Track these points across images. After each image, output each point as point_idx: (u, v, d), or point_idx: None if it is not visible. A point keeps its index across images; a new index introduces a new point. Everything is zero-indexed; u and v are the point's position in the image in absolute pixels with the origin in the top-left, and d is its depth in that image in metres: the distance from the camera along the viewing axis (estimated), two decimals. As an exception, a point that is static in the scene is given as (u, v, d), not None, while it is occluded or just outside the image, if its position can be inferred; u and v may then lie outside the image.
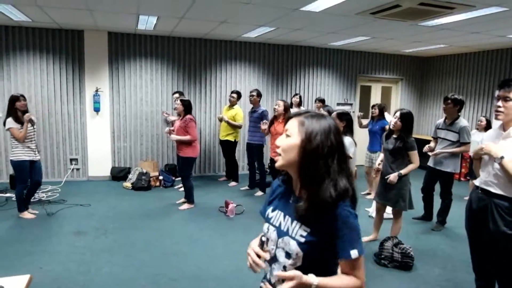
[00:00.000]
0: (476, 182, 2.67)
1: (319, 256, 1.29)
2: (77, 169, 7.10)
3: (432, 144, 4.96)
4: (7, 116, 4.64)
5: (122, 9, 5.14)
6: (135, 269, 3.62)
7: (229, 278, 3.50)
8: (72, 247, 4.07)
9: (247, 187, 6.65)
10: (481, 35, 6.19)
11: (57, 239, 4.29)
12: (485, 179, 2.54)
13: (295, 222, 1.31)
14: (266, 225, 1.44)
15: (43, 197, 5.80)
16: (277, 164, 1.34)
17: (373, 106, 6.29)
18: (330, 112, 5.19)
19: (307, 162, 1.26)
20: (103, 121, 7.08)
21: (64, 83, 6.81)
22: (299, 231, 1.29)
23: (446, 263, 3.96)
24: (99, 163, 7.12)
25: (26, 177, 4.80)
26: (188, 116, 5.28)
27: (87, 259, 3.79)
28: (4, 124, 4.66)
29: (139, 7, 5.02)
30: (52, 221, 4.86)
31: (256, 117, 6.16)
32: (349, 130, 3.97)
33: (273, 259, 1.38)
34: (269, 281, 1.41)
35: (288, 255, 1.32)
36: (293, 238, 1.30)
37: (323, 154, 1.26)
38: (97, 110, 6.94)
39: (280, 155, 1.32)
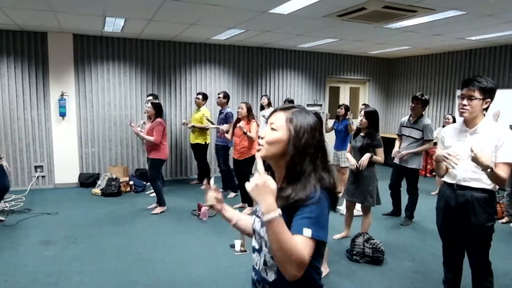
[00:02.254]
0: (448, 179, 2.69)
1: None
2: (43, 177, 6.84)
3: (397, 142, 5.15)
4: None
5: (88, 11, 5.01)
6: (107, 277, 3.53)
7: (204, 281, 3.48)
8: (40, 257, 3.91)
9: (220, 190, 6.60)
10: (442, 37, 6.47)
11: (23, 249, 4.12)
12: (462, 176, 2.58)
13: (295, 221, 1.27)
14: (253, 217, 1.48)
15: (6, 207, 5.54)
16: (260, 154, 1.31)
17: (339, 106, 6.45)
18: None
19: (296, 158, 1.28)
20: (69, 126, 6.86)
21: (27, 88, 6.55)
22: (304, 232, 1.22)
23: (414, 256, 4.11)
24: (66, 170, 6.89)
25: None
26: (158, 119, 5.27)
27: (56, 269, 3.66)
28: None
29: (106, 9, 4.92)
30: (17, 231, 4.66)
31: (222, 118, 6.19)
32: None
33: (259, 250, 1.39)
34: (257, 271, 1.40)
35: (266, 243, 1.33)
36: None
37: (310, 152, 1.29)
38: (63, 115, 6.72)
39: (262, 145, 1.33)
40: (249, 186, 1.17)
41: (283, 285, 1.28)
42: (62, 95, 6.65)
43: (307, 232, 1.19)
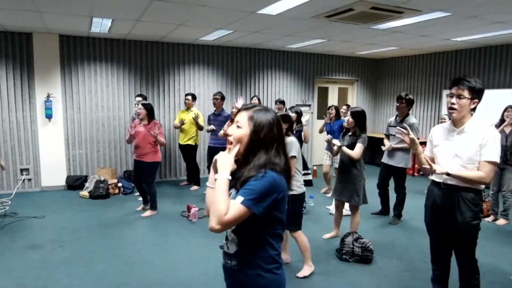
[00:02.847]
0: (436, 178, 2.74)
1: (250, 220, 1.46)
2: (29, 180, 6.73)
3: (385, 142, 5.20)
4: None
5: (74, 11, 4.95)
6: (96, 280, 3.49)
7: (195, 282, 3.47)
8: (27, 262, 3.85)
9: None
10: (429, 38, 6.56)
11: (9, 254, 4.04)
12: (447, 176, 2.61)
13: (237, 193, 1.49)
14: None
15: (-8, 210, 5.45)
16: (230, 150, 1.55)
17: (329, 107, 6.49)
18: (298, 113, 5.32)
19: (252, 147, 1.53)
20: (56, 128, 6.76)
21: (12, 89, 6.44)
22: (237, 199, 1.45)
23: (403, 254, 4.16)
24: (53, 172, 6.79)
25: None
26: (156, 121, 5.33)
27: (43, 273, 3.61)
28: None
29: (92, 10, 4.86)
30: (3, 235, 4.57)
31: (222, 120, 6.14)
32: (291, 131, 3.74)
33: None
34: (227, 255, 1.65)
35: None
36: None
37: (266, 143, 1.53)
38: (49, 116, 6.62)
39: (231, 142, 1.56)
40: (218, 156, 1.52)
41: (243, 256, 1.56)
42: (48, 96, 6.56)
43: (239, 199, 1.43)
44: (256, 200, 1.43)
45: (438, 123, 6.53)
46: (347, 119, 4.21)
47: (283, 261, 1.62)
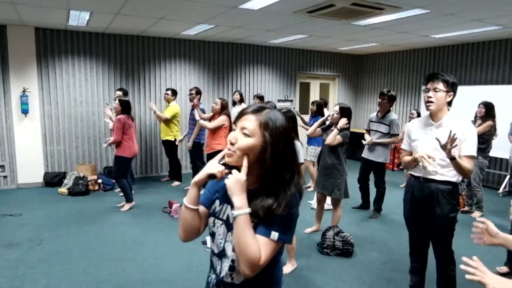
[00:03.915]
0: (415, 173, 2.80)
1: None
2: (4, 177, 6.54)
3: (366, 136, 5.28)
4: None
5: (50, 3, 4.81)
6: (76, 278, 3.43)
7: (177, 279, 3.45)
8: (3, 261, 3.75)
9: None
10: (408, 34, 6.67)
11: (-16, 253, 3.94)
12: (430, 168, 2.65)
13: (263, 225, 1.25)
14: (212, 219, 1.40)
15: (-35, 208, 5.28)
16: (231, 161, 1.26)
17: (312, 102, 6.56)
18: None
19: (275, 167, 1.24)
20: (32, 123, 6.58)
21: (-14, 83, 6.24)
22: (272, 236, 1.23)
23: (382, 247, 4.24)
24: (30, 169, 6.62)
25: None
26: (119, 116, 5.15)
27: (20, 272, 3.52)
28: None
29: (70, 2, 4.73)
30: (-23, 234, 4.45)
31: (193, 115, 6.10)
32: (296, 133, 3.64)
33: (222, 253, 1.36)
34: (219, 276, 1.38)
35: (226, 239, 1.34)
36: None
37: (287, 156, 1.26)
38: (25, 112, 6.44)
39: (234, 152, 1.24)
40: (229, 181, 1.21)
41: (250, 283, 1.30)
42: (24, 91, 6.37)
43: (274, 235, 1.21)
44: (291, 231, 1.25)
45: (408, 120, 6.69)
46: (332, 114, 4.22)
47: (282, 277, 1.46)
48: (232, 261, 1.32)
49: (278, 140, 1.23)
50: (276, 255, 1.30)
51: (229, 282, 1.35)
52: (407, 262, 3.12)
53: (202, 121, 5.52)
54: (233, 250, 1.30)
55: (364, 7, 4.70)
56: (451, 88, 2.59)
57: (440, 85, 2.56)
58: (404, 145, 2.93)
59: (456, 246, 2.81)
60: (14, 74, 6.35)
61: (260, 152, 1.23)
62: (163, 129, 6.64)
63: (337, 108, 4.19)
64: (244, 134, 1.24)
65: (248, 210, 1.19)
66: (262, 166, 1.24)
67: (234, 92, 7.32)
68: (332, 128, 4.23)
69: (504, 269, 3.62)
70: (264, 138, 1.22)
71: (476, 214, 5.25)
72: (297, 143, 3.20)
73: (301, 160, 3.32)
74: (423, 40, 7.23)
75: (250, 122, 1.24)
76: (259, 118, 1.24)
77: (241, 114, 1.29)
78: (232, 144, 1.24)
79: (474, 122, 5.16)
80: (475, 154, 2.58)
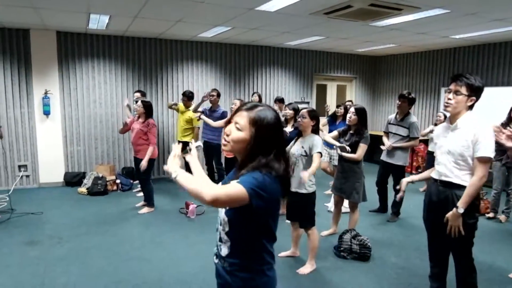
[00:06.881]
0: (434, 175, 2.74)
1: (242, 220, 1.46)
2: (27, 176, 6.72)
3: (384, 139, 5.20)
4: None
5: (71, 8, 4.92)
6: (94, 277, 3.49)
7: (193, 279, 3.47)
8: (25, 258, 3.85)
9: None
10: (427, 35, 6.55)
11: (7, 250, 4.04)
12: (443, 171, 2.63)
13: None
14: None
15: (-11, 207, 5.44)
16: (226, 149, 1.52)
17: (339, 105, 6.21)
18: (295, 109, 5.23)
19: (253, 152, 1.46)
20: (54, 124, 6.74)
21: (9, 86, 6.41)
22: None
23: (400, 251, 4.16)
24: (51, 169, 6.78)
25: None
26: (151, 120, 5.19)
27: (41, 270, 3.60)
28: None
29: (90, 6, 4.84)
30: (0, 231, 4.57)
31: (216, 117, 6.11)
32: (317, 131, 3.71)
33: (217, 229, 1.60)
34: (219, 256, 1.59)
35: (220, 223, 1.56)
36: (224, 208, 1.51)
37: (267, 148, 1.46)
38: (47, 113, 6.60)
39: (228, 142, 1.50)
40: (169, 160, 1.53)
41: (235, 258, 1.52)
42: (46, 93, 6.54)
43: (233, 182, 1.40)
44: (250, 182, 1.38)
45: (434, 123, 6.50)
46: (349, 116, 4.15)
47: (274, 262, 1.59)
48: (220, 237, 1.56)
49: (262, 134, 1.45)
50: (263, 240, 1.52)
51: (219, 254, 1.58)
52: (427, 267, 3.05)
53: (205, 118, 5.61)
54: (220, 224, 1.55)
55: (382, 8, 4.64)
56: (475, 92, 2.50)
57: (463, 89, 2.49)
58: (430, 148, 2.89)
59: (477, 251, 2.75)
60: (37, 76, 6.52)
61: (248, 143, 1.47)
62: (180, 130, 6.56)
63: (352, 109, 4.16)
64: (237, 128, 1.48)
65: (175, 174, 1.43)
66: (246, 151, 1.48)
67: (253, 94, 7.31)
68: (351, 131, 4.17)
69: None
70: (251, 132, 1.45)
71: (503, 218, 5.10)
72: (316, 136, 3.54)
73: (318, 150, 3.47)
74: (443, 40, 7.10)
75: (243, 118, 1.48)
76: (250, 115, 1.47)
77: (238, 110, 1.52)
78: (227, 135, 1.50)
79: (507, 125, 4.84)
80: (487, 155, 2.44)
